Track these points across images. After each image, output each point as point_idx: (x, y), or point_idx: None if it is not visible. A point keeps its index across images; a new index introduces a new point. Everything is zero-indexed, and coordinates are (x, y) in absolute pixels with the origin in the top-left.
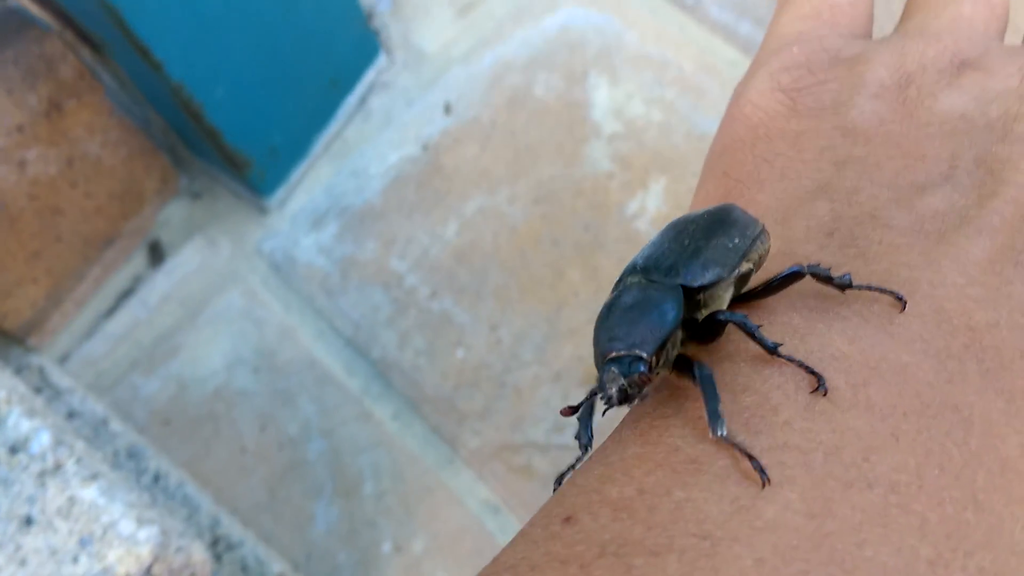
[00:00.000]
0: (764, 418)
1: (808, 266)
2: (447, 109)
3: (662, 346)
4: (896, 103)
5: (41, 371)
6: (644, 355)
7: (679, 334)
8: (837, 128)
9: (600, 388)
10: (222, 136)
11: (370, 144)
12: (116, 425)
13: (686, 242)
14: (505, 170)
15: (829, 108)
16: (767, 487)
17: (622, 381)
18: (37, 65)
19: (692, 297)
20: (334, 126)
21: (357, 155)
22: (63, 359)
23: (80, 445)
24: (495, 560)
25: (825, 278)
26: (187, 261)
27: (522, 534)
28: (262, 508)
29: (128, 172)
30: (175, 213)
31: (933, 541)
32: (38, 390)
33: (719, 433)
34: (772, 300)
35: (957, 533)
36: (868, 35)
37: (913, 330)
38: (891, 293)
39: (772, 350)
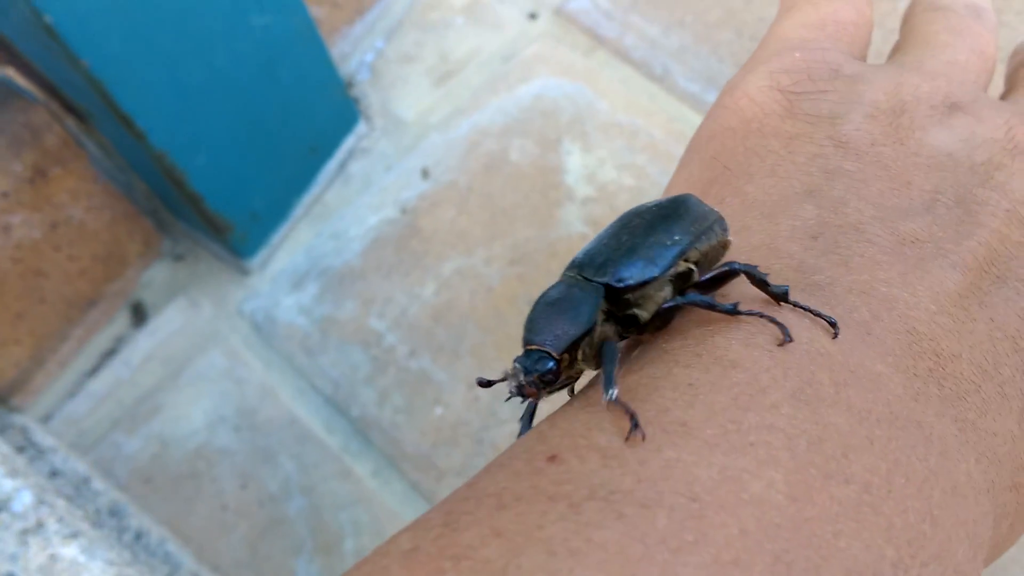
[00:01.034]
0: (753, 397)
1: (743, 265)
2: (425, 174)
3: (573, 344)
4: (889, 127)
5: (24, 430)
6: (553, 353)
7: (599, 331)
8: (830, 138)
9: (506, 377)
10: (204, 201)
11: (350, 207)
12: (98, 483)
13: (624, 238)
14: (482, 232)
15: (825, 118)
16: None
17: (521, 377)
18: (23, 134)
19: (620, 296)
20: (314, 190)
21: (337, 218)
22: (46, 418)
23: (61, 504)
24: (470, 485)
25: (760, 282)
26: (169, 322)
27: (499, 465)
28: (243, 565)
29: (111, 235)
30: (158, 275)
31: (896, 545)
32: (21, 449)
33: (608, 396)
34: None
35: (916, 542)
36: (864, 58)
37: (887, 344)
38: (825, 318)
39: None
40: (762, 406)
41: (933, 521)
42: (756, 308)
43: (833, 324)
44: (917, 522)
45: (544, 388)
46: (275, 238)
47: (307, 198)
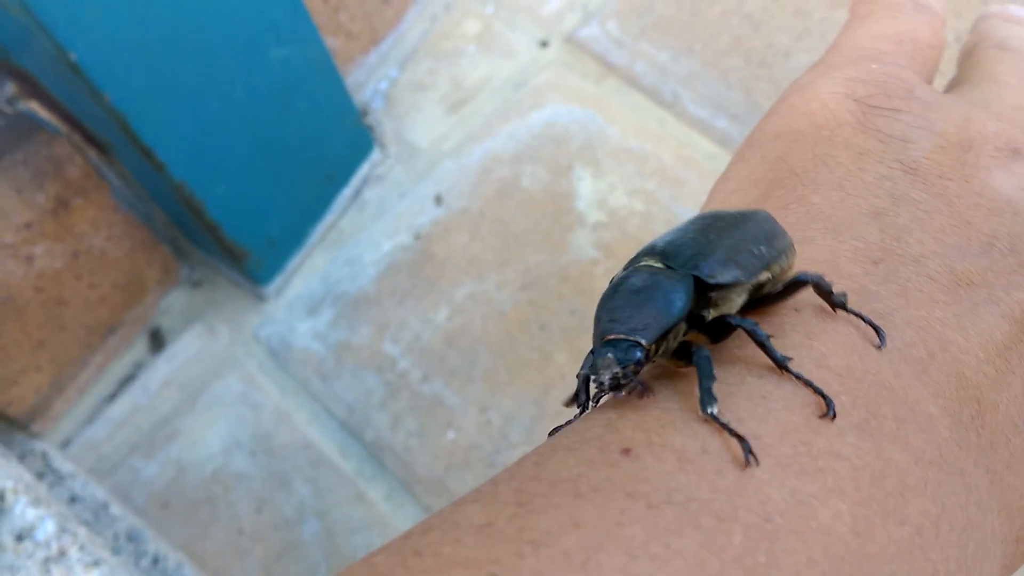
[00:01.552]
0: (823, 420)
1: (813, 276)
2: (438, 200)
3: (663, 335)
4: (956, 162)
5: (44, 456)
6: (643, 342)
7: (683, 327)
8: (900, 162)
9: (593, 371)
10: (222, 230)
11: (364, 234)
12: (116, 509)
13: (712, 236)
14: (494, 258)
15: (897, 139)
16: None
17: (616, 367)
18: (46, 166)
19: (704, 293)
20: (330, 217)
21: (352, 244)
22: (65, 444)
23: (83, 531)
24: (537, 464)
25: (826, 292)
26: (187, 348)
27: (567, 449)
28: None
29: (131, 263)
30: (176, 301)
31: None
32: (41, 475)
33: (709, 411)
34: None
35: None
36: (931, 83)
37: (940, 385)
38: (875, 327)
39: (781, 364)
40: (831, 431)
41: (967, 571)
42: (804, 372)
43: (881, 335)
44: (956, 571)
45: (632, 380)
46: (291, 264)
47: (322, 225)
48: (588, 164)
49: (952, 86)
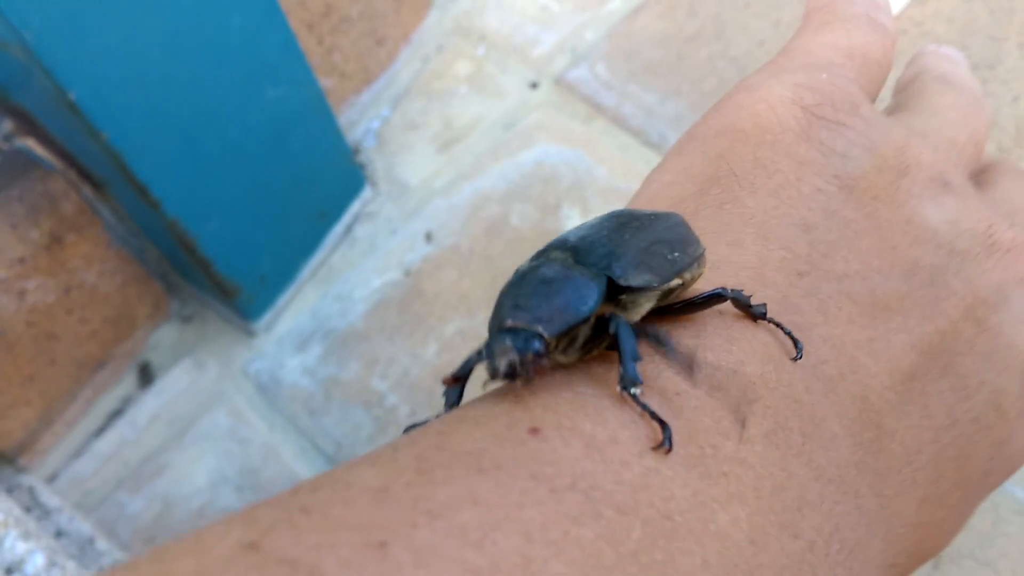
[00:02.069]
0: (732, 426)
1: (731, 291)
2: (428, 237)
3: (566, 331)
4: (891, 186)
5: (31, 491)
6: (545, 334)
7: (586, 329)
8: (837, 178)
9: (488, 356)
10: (214, 266)
11: (355, 270)
12: (102, 543)
13: (626, 236)
14: (483, 294)
15: (837, 154)
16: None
17: (514, 355)
18: (40, 202)
19: (614, 295)
20: (320, 254)
21: (342, 281)
22: (52, 478)
23: (71, 565)
24: (441, 434)
25: (744, 306)
26: (176, 382)
27: (474, 421)
28: None
29: (122, 298)
30: (165, 336)
31: None
32: (28, 509)
33: (632, 391)
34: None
35: None
36: (874, 101)
37: (845, 406)
38: (794, 339)
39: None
40: (740, 438)
41: None
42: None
43: (798, 347)
44: None
45: (526, 372)
46: (281, 300)
47: (313, 261)
48: (576, 203)
49: (892, 110)
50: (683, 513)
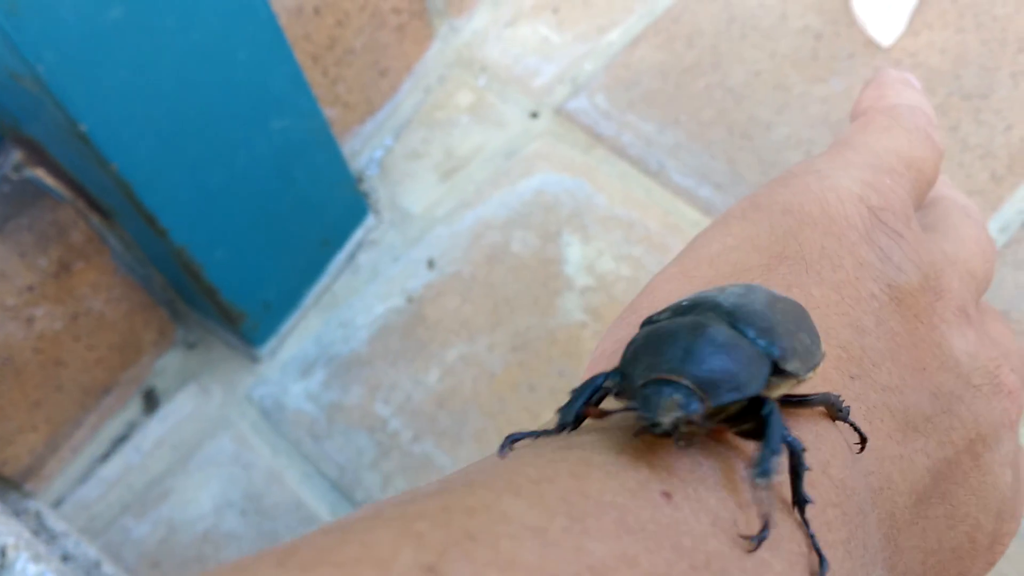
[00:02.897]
0: (826, 524)
1: (833, 396)
2: (430, 264)
3: (725, 406)
4: (929, 307)
5: (38, 515)
6: (711, 403)
7: (737, 406)
8: (891, 288)
9: (646, 405)
10: (219, 293)
11: (358, 297)
12: (108, 568)
13: (778, 316)
14: (484, 320)
15: (893, 263)
16: None
17: (679, 414)
18: (49, 231)
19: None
20: (324, 280)
21: (345, 307)
22: (57, 503)
23: None
24: (578, 477)
25: (836, 408)
26: (180, 408)
27: (608, 474)
28: None
29: (128, 325)
30: (170, 362)
31: None
32: (35, 534)
33: (760, 481)
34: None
35: None
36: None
37: (881, 520)
38: (862, 437)
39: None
40: (827, 543)
41: None
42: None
43: (864, 441)
44: None
45: (679, 434)
46: (285, 327)
47: (317, 288)
48: (576, 230)
49: (924, 221)
50: None
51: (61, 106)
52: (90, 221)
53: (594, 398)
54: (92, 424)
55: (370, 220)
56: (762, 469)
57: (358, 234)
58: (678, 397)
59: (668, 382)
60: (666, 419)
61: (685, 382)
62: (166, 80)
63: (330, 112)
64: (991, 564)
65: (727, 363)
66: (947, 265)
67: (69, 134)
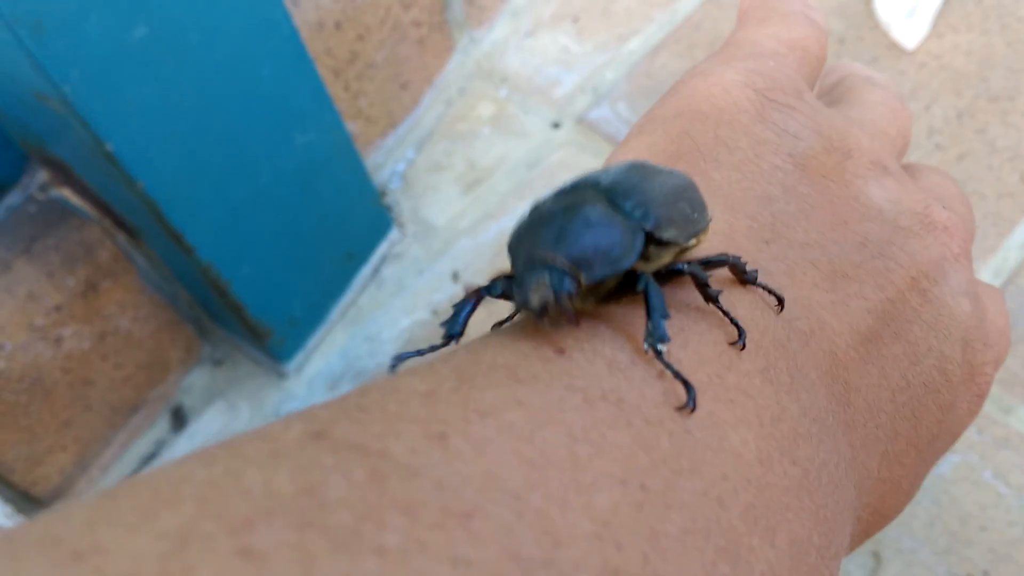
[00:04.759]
0: (732, 360)
1: (734, 258)
2: (455, 277)
3: (601, 282)
4: (838, 166)
5: None
6: (584, 279)
7: (614, 280)
8: (792, 156)
9: (520, 287)
10: (246, 310)
11: (383, 311)
12: None
13: (656, 188)
14: None
15: (790, 135)
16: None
17: (548, 294)
18: (76, 250)
19: (643, 247)
20: (349, 295)
21: (371, 321)
22: None
23: None
24: (471, 351)
25: (740, 271)
26: (208, 425)
27: (502, 345)
28: None
29: (155, 343)
30: (198, 380)
31: (820, 532)
32: None
33: (658, 348)
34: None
35: (829, 535)
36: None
37: (818, 358)
38: (778, 296)
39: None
40: (740, 371)
41: (841, 524)
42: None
43: (781, 301)
44: (831, 519)
45: (553, 314)
46: (311, 342)
47: (342, 303)
48: None
49: (830, 97)
50: (700, 430)
51: (87, 126)
52: (116, 240)
53: (477, 307)
54: (121, 442)
55: (394, 233)
56: (658, 336)
57: (382, 248)
58: (548, 276)
59: (543, 264)
60: (536, 299)
61: (558, 262)
62: (191, 98)
63: (352, 126)
64: (980, 396)
65: (599, 239)
66: (851, 127)
67: (95, 153)
